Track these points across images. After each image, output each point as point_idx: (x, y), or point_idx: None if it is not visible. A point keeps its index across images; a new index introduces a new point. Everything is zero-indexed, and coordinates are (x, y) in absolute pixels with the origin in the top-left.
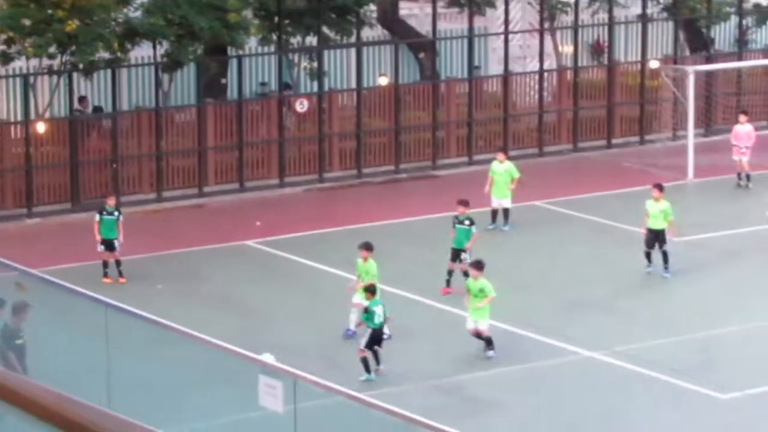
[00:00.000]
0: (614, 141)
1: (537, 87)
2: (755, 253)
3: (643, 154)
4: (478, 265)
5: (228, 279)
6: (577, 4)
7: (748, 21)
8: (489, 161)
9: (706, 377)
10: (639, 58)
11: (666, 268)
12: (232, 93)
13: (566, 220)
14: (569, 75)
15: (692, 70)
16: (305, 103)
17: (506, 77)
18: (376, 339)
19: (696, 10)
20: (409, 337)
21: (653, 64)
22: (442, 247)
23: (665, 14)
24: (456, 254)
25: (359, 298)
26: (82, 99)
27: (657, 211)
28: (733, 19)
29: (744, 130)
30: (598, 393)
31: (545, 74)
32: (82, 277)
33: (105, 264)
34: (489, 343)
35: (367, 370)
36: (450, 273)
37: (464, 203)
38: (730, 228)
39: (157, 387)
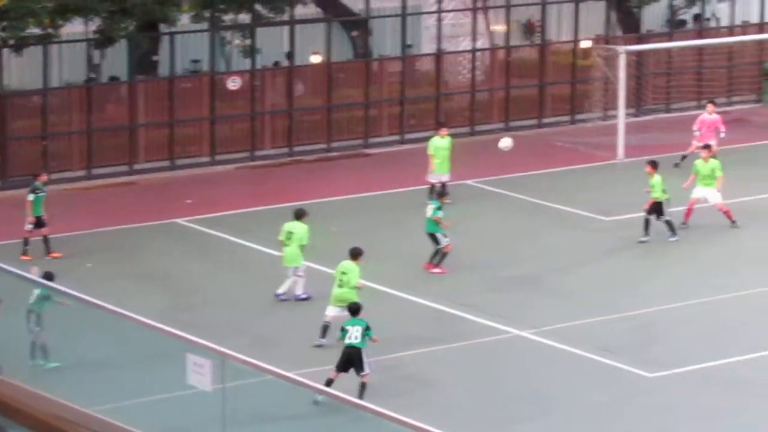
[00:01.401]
0: (545, 120)
1: (469, 66)
2: (683, 232)
3: (574, 133)
4: (355, 253)
5: (158, 257)
6: None
7: (680, 1)
8: (421, 140)
9: (634, 356)
10: (571, 38)
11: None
12: (163, 70)
13: (497, 199)
14: (501, 54)
15: (623, 50)
16: (237, 80)
17: (439, 56)
18: (348, 358)
19: None
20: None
21: (585, 43)
22: (373, 225)
23: None
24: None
25: (334, 311)
26: None
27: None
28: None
29: (710, 119)
30: (529, 371)
31: (478, 53)
32: (10, 255)
33: (26, 242)
34: (324, 330)
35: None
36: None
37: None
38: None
39: (87, 365)
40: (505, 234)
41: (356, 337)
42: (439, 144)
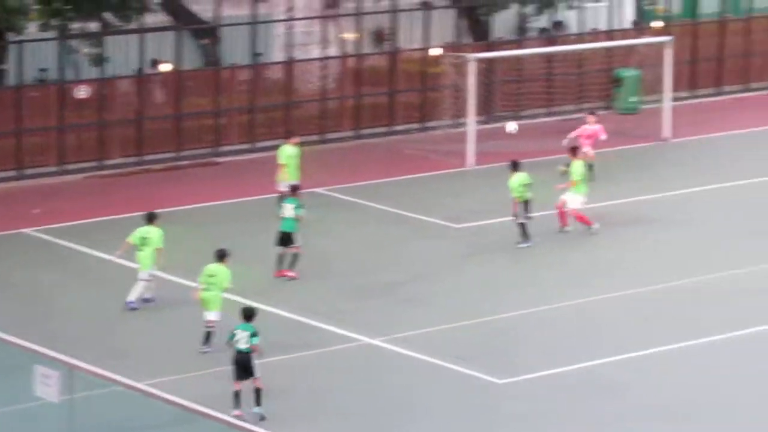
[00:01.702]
0: (396, 128)
1: (320, 74)
2: (534, 239)
3: (424, 141)
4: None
5: (5, 267)
6: None
7: (529, 9)
8: (271, 148)
9: (485, 363)
10: (421, 46)
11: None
12: (11, 79)
13: (349, 207)
14: (352, 62)
15: (473, 58)
16: (86, 89)
17: (289, 64)
18: (239, 364)
19: None
20: (191, 326)
21: (435, 51)
22: (223, 233)
23: (447, 2)
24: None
25: (213, 315)
26: None
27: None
28: (514, 7)
29: (592, 129)
30: (381, 380)
31: (328, 61)
32: None
33: None
34: (208, 338)
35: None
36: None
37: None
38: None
39: None
40: (357, 242)
41: (244, 342)
42: (290, 152)
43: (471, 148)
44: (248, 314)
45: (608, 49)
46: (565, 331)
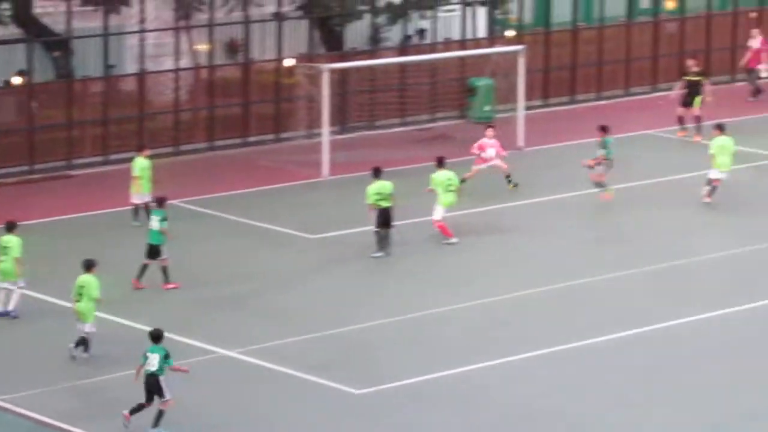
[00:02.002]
0: (250, 139)
1: (173, 85)
2: (398, 248)
3: (279, 152)
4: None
5: None
6: (212, 2)
7: (382, 19)
8: (125, 160)
9: (342, 373)
10: (274, 57)
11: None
12: None
13: (203, 219)
14: (205, 73)
15: (326, 68)
16: None
17: (142, 75)
18: (148, 386)
19: (330, 8)
20: (45, 339)
21: (288, 62)
22: (77, 247)
23: (300, 13)
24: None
25: (89, 327)
26: None
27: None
28: (367, 17)
29: (490, 143)
30: (237, 392)
31: (181, 72)
32: None
33: None
34: (84, 343)
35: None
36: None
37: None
38: (368, 224)
39: None
40: (212, 254)
41: (154, 365)
42: (144, 164)
43: (326, 158)
44: (156, 336)
45: (462, 59)
46: (421, 341)
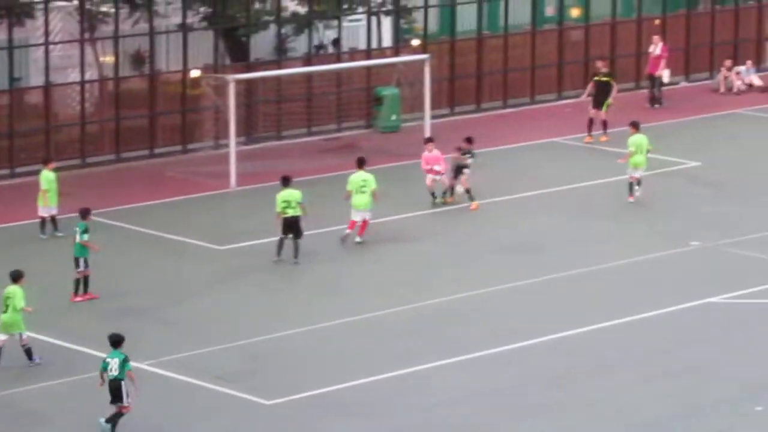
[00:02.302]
0: (157, 150)
1: (79, 97)
2: (307, 256)
3: (186, 163)
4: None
5: None
6: (117, 14)
7: (287, 29)
8: (32, 173)
9: (251, 384)
10: (180, 68)
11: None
12: None
13: (111, 231)
14: (111, 85)
15: (232, 79)
16: None
17: (47, 88)
18: (111, 391)
19: (235, 19)
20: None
21: (194, 73)
22: None
23: (205, 24)
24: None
25: (22, 337)
26: None
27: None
28: (273, 28)
29: (432, 156)
30: (152, 403)
31: (87, 84)
32: None
33: None
34: (29, 354)
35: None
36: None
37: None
38: (277, 234)
39: None
40: (120, 266)
41: (115, 369)
42: (50, 177)
43: (233, 169)
44: (116, 341)
45: (368, 68)
46: (331, 351)
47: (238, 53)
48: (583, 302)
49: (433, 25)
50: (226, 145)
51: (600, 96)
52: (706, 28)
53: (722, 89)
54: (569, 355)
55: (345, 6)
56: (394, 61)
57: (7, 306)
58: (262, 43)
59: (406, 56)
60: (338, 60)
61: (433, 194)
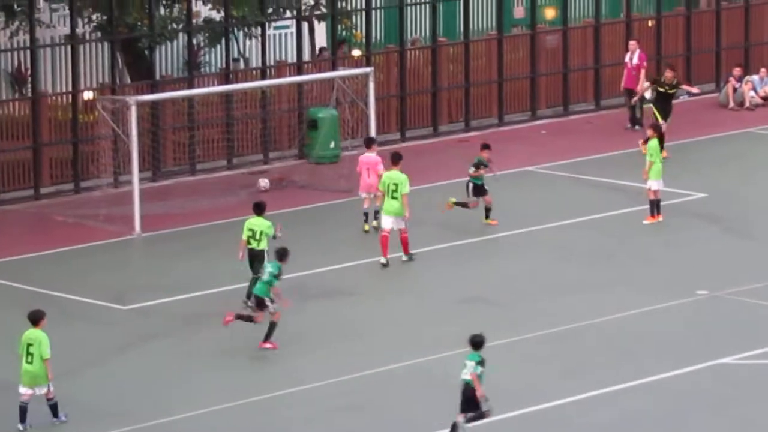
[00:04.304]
0: (44, 190)
1: None
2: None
3: (79, 205)
4: None
5: None
6: None
7: (200, 40)
8: None
9: None
10: (70, 88)
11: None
12: None
13: None
14: None
15: (134, 101)
16: None
17: None
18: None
19: (136, 28)
20: None
21: (87, 94)
22: None
23: (99, 34)
24: None
25: None
26: None
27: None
28: (182, 38)
29: (371, 159)
30: None
31: None
32: None
33: None
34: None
35: None
36: None
37: None
38: (192, 290)
39: None
40: (1, 333)
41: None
42: None
43: (137, 211)
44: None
45: (299, 85)
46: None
47: (140, 70)
48: (567, 365)
49: (378, 32)
50: (129, 182)
51: (666, 107)
52: (710, 29)
53: (731, 103)
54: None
55: (270, 10)
56: (330, 77)
57: (30, 354)
58: (169, 57)
59: (345, 70)
60: (263, 76)
61: (366, 217)
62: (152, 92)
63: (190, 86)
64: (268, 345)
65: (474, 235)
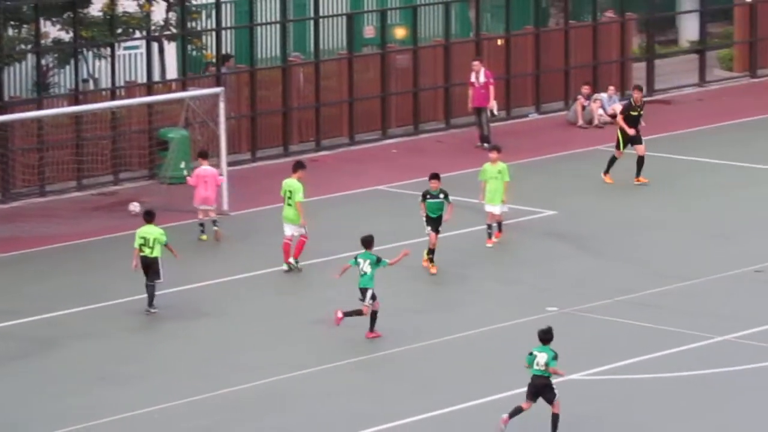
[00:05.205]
0: None
1: None
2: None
3: None
4: None
5: None
6: None
7: (49, 60)
8: None
9: None
10: None
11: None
12: None
13: None
14: None
15: None
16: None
17: None
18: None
19: None
20: None
21: None
22: None
23: None
24: None
25: None
26: None
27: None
28: (30, 59)
29: (211, 172)
30: None
31: None
32: None
33: None
34: None
35: None
36: None
37: None
38: (44, 312)
39: None
40: None
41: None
42: None
43: None
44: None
45: (149, 106)
46: None
47: None
48: (415, 385)
49: (229, 51)
50: None
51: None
52: (559, 48)
53: (580, 121)
54: None
55: (119, 30)
56: (180, 97)
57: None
58: (17, 78)
59: (196, 90)
60: (113, 96)
61: (202, 227)
62: (0, 114)
63: (39, 107)
64: (373, 335)
65: (322, 256)
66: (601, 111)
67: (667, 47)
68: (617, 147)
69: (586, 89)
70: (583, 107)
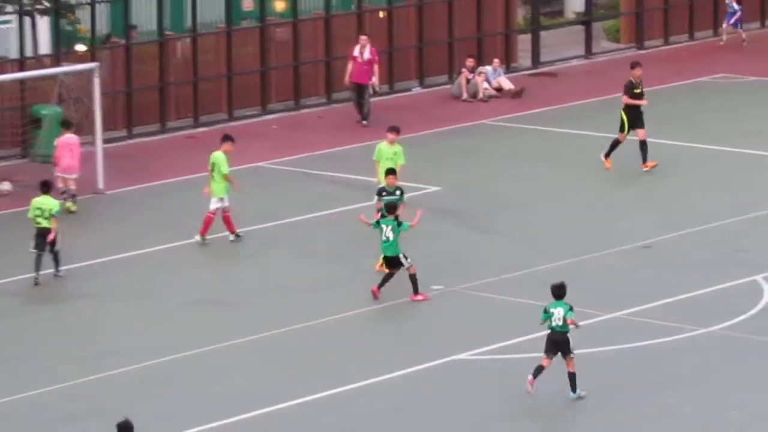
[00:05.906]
0: None
1: None
2: None
3: None
4: None
5: None
6: None
7: None
8: None
9: None
10: None
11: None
12: None
13: None
14: None
15: None
16: None
17: None
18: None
19: None
20: None
21: None
22: None
23: None
24: None
25: None
26: None
27: None
28: None
29: (72, 141)
30: None
31: None
32: None
33: None
34: None
35: None
36: None
37: None
38: None
39: None
40: None
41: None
42: None
43: None
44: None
45: (22, 82)
46: None
47: None
48: (295, 365)
49: (103, 26)
50: None
51: (637, 111)
52: (443, 20)
53: (465, 95)
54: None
55: None
56: (53, 73)
57: None
58: None
59: (69, 65)
60: None
61: (68, 196)
62: None
63: None
64: (419, 297)
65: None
66: (486, 84)
67: (553, 19)
68: (621, 130)
69: (470, 62)
70: (468, 80)
